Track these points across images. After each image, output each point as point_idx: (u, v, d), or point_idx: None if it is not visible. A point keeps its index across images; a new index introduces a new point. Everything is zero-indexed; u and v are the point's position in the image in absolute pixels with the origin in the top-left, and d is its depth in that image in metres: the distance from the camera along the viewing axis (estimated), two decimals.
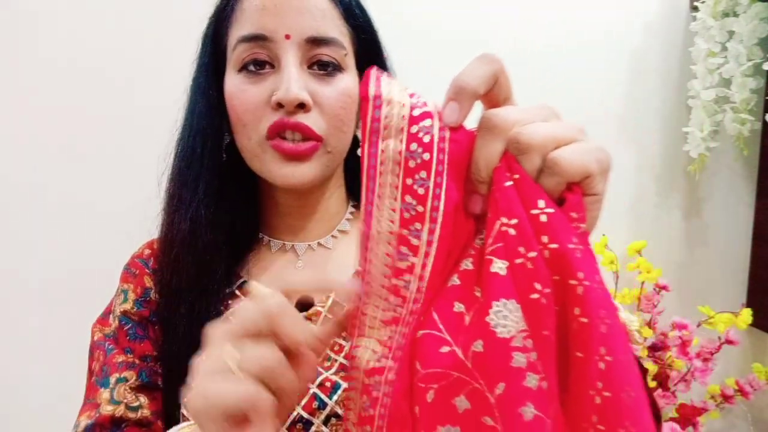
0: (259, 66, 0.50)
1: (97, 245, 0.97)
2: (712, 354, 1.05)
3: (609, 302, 0.28)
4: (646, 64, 1.12)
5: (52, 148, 0.99)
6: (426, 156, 0.30)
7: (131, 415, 0.49)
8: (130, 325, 0.53)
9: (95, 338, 0.54)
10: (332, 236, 0.59)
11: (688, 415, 1.05)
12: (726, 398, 1.07)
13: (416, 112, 0.30)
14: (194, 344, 0.51)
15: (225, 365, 0.29)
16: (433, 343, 0.29)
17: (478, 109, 0.32)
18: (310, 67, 0.50)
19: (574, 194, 0.29)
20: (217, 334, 0.31)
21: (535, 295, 0.28)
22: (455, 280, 0.31)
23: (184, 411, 0.49)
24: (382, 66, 0.58)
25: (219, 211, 0.53)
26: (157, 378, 0.52)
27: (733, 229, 1.16)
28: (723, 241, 1.16)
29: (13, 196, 0.99)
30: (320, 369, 0.50)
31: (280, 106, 0.49)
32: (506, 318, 0.28)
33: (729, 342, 1.05)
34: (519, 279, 0.28)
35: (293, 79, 0.48)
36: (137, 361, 0.52)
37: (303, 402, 0.49)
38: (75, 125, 0.99)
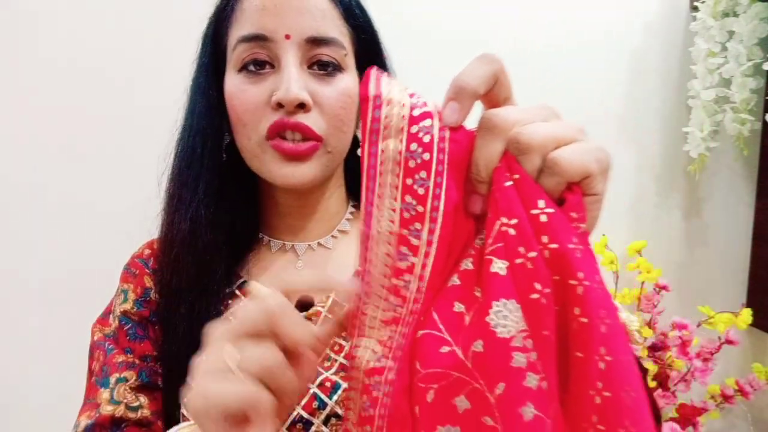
0: (259, 66, 0.50)
1: (97, 245, 0.97)
2: (712, 354, 1.05)
3: (609, 302, 0.28)
4: (646, 64, 1.12)
5: (52, 148, 0.99)
6: (426, 156, 0.30)
7: (131, 415, 0.49)
8: (130, 325, 0.53)
9: (95, 338, 0.54)
10: (332, 236, 0.59)
11: (688, 415, 1.05)
12: (726, 398, 1.07)
13: (416, 112, 0.30)
14: (194, 344, 0.51)
15: (225, 365, 0.29)
16: (434, 343, 0.29)
17: (478, 109, 0.32)
18: (310, 67, 0.50)
19: (574, 194, 0.29)
20: (217, 333, 0.31)
21: (535, 295, 0.28)
22: (455, 280, 0.31)
23: (184, 411, 0.49)
24: (382, 66, 0.58)
25: (219, 211, 0.53)
26: (157, 378, 0.52)
27: (733, 229, 1.16)
28: (723, 241, 1.16)
29: (13, 196, 0.99)
30: (320, 369, 0.50)
31: (280, 106, 0.49)
32: (506, 318, 0.28)
33: (729, 342, 1.05)
34: (519, 279, 0.28)
35: (293, 79, 0.48)
36: (137, 361, 0.52)
37: (303, 402, 0.49)
38: (75, 125, 0.99)
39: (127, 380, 0.50)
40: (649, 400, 0.31)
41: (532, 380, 0.27)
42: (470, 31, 1.07)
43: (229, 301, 0.54)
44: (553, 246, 0.28)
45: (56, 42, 0.97)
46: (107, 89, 0.98)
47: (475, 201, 0.31)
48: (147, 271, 0.56)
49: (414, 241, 0.30)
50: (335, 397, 0.49)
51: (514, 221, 0.28)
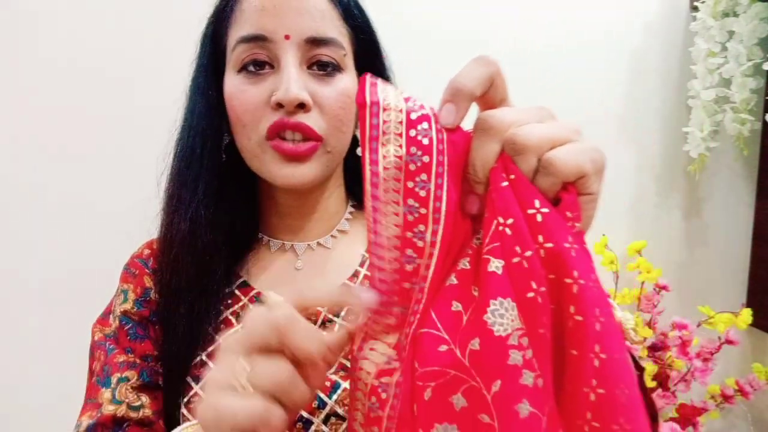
0: (259, 66, 0.50)
1: (97, 245, 0.97)
2: (712, 354, 1.05)
3: (604, 300, 0.28)
4: (646, 64, 1.12)
5: (52, 148, 0.99)
6: (426, 158, 0.30)
7: (133, 414, 0.49)
8: (130, 325, 0.53)
9: (95, 338, 0.54)
10: (332, 236, 0.59)
11: (688, 415, 1.05)
12: (726, 398, 1.07)
13: (413, 116, 0.31)
14: (194, 344, 0.52)
15: (236, 380, 0.29)
16: (432, 341, 0.30)
17: (474, 111, 0.32)
18: (309, 67, 0.50)
19: (570, 194, 0.29)
20: (229, 345, 0.31)
21: (531, 294, 0.28)
22: (453, 280, 0.31)
23: (183, 411, 0.49)
24: (381, 66, 0.58)
25: (218, 212, 0.53)
26: (158, 378, 0.52)
27: (733, 229, 1.16)
28: (723, 241, 1.16)
29: (13, 196, 0.99)
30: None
31: (279, 106, 0.49)
32: (503, 316, 0.28)
33: (729, 342, 1.05)
34: (515, 278, 0.29)
35: (293, 80, 0.48)
36: (138, 361, 0.52)
37: None
38: (75, 125, 0.99)
39: (128, 380, 0.50)
40: (645, 398, 0.31)
41: (528, 378, 0.27)
42: (470, 31, 1.07)
43: (229, 301, 0.54)
44: (549, 245, 0.28)
45: (56, 42, 0.97)
46: (107, 89, 0.99)
47: (472, 201, 0.31)
48: (147, 271, 0.56)
49: (419, 243, 0.30)
50: (335, 397, 0.49)
51: (510, 221, 0.29)
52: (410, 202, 0.30)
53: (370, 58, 0.55)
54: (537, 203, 0.29)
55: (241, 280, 0.56)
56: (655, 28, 1.11)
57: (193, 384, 0.50)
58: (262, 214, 0.59)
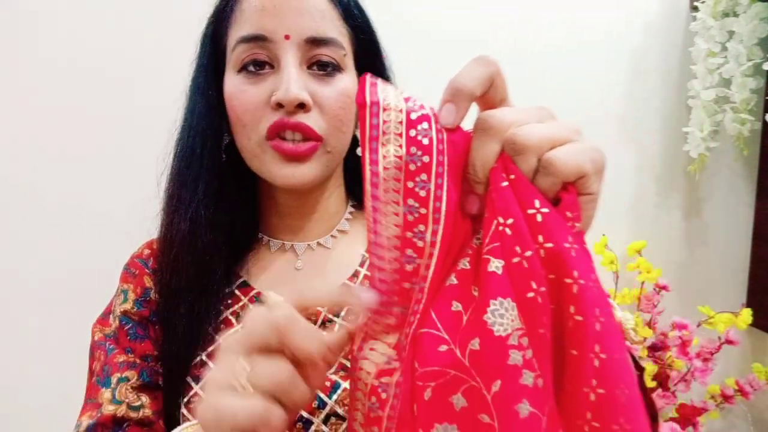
0: (259, 66, 0.50)
1: (97, 245, 0.97)
2: (712, 354, 1.05)
3: (604, 300, 0.29)
4: (646, 64, 1.12)
5: (52, 148, 0.99)
6: (426, 158, 0.30)
7: (133, 414, 0.49)
8: (130, 325, 0.53)
9: (95, 338, 0.54)
10: (331, 236, 0.59)
11: (688, 415, 1.05)
12: (726, 398, 1.07)
13: (413, 116, 0.31)
14: (194, 344, 0.52)
15: (236, 380, 0.29)
16: (432, 342, 0.30)
17: (474, 111, 0.32)
18: (309, 67, 0.50)
19: (569, 194, 0.29)
20: (230, 345, 0.31)
21: (531, 294, 0.28)
22: (453, 280, 0.31)
23: (184, 411, 0.49)
24: (381, 66, 0.58)
25: (218, 212, 0.53)
26: (158, 378, 0.52)
27: (733, 229, 1.16)
28: (723, 241, 1.16)
29: (13, 196, 0.99)
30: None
31: (279, 106, 0.49)
32: (503, 316, 0.28)
33: (729, 342, 1.05)
34: (515, 278, 0.29)
35: (293, 80, 0.48)
36: (138, 361, 0.52)
37: None
38: (75, 125, 0.99)
39: (128, 380, 0.50)
40: (645, 398, 0.31)
41: (528, 378, 0.28)
42: (470, 31, 1.07)
43: (229, 301, 0.54)
44: (549, 245, 0.28)
45: (56, 42, 0.97)
46: (107, 89, 0.99)
47: (472, 201, 0.31)
48: (147, 271, 0.56)
49: (419, 243, 0.30)
50: (335, 397, 0.49)
51: (510, 221, 0.29)
52: (410, 202, 0.30)
53: (370, 58, 0.55)
54: (537, 203, 0.29)
55: (241, 280, 0.56)
56: (655, 28, 1.11)
57: (193, 384, 0.50)
58: (262, 214, 0.59)
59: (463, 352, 0.29)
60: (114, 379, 0.50)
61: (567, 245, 0.28)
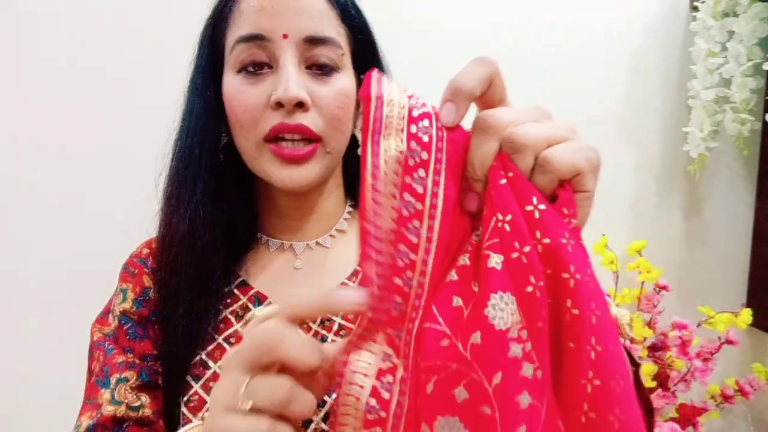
0: (258, 67, 0.50)
1: (97, 245, 0.97)
2: (712, 354, 1.05)
3: (599, 294, 0.29)
4: (646, 64, 1.12)
5: (52, 148, 0.99)
6: (425, 155, 0.31)
7: (132, 414, 0.49)
8: (129, 324, 0.53)
9: (94, 338, 0.54)
10: (330, 236, 0.59)
11: (688, 415, 1.05)
12: (726, 398, 1.07)
13: (415, 113, 0.31)
14: (194, 343, 0.52)
15: (239, 399, 0.29)
16: (434, 336, 0.30)
17: (473, 111, 0.33)
18: (308, 68, 0.51)
19: (566, 191, 0.30)
20: (230, 363, 0.31)
21: (530, 288, 0.29)
22: (453, 276, 0.31)
23: (183, 410, 0.49)
24: (379, 66, 0.58)
25: (217, 212, 0.53)
26: (157, 377, 0.52)
27: (733, 229, 1.16)
28: (723, 241, 1.16)
29: (13, 196, 0.99)
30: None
31: (279, 105, 0.49)
32: (503, 310, 0.29)
33: (729, 342, 1.05)
34: (514, 273, 0.29)
35: (292, 79, 0.48)
36: (137, 361, 0.52)
37: None
38: (75, 125, 0.99)
39: (127, 380, 0.50)
40: (640, 393, 0.32)
41: (527, 370, 0.28)
42: (470, 31, 1.07)
43: (228, 300, 0.54)
44: (546, 241, 0.29)
45: (56, 42, 0.98)
46: (107, 89, 0.99)
47: (471, 199, 0.32)
48: (146, 270, 0.56)
49: (413, 239, 0.31)
50: (334, 395, 0.49)
51: (508, 217, 0.30)
52: (407, 197, 0.31)
53: (367, 58, 0.56)
54: (534, 200, 0.30)
55: (240, 279, 0.56)
56: (655, 28, 1.11)
57: (192, 383, 0.50)
58: (261, 213, 0.59)
59: (464, 345, 0.29)
60: (113, 380, 0.50)
61: (564, 241, 0.29)
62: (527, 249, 0.29)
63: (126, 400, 0.49)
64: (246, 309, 0.54)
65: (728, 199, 1.15)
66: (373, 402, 0.30)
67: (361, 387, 0.30)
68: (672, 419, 1.04)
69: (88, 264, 0.97)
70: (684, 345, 1.03)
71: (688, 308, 1.10)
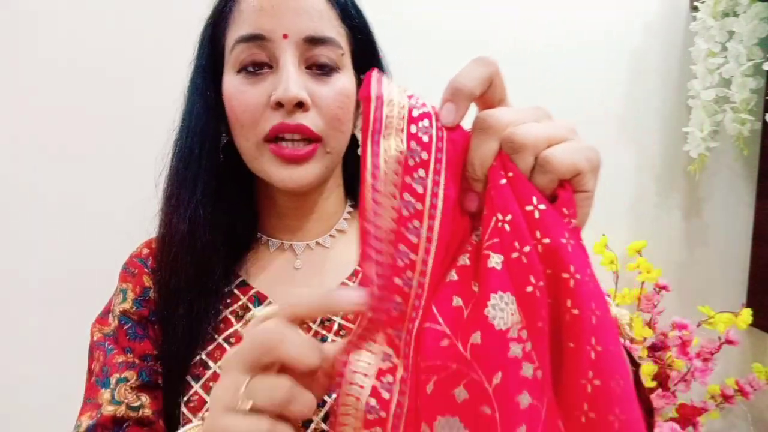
0: (258, 67, 0.50)
1: (97, 245, 0.97)
2: (712, 354, 1.05)
3: (599, 294, 0.29)
4: (646, 64, 1.12)
5: (52, 148, 0.99)
6: (425, 155, 0.31)
7: (132, 414, 0.49)
8: (129, 324, 0.53)
9: (94, 338, 0.54)
10: (330, 236, 0.59)
11: (688, 415, 1.05)
12: (726, 398, 1.07)
13: (415, 113, 0.31)
14: (194, 343, 0.52)
15: (239, 400, 0.29)
16: (434, 336, 0.30)
17: (473, 111, 0.33)
18: (308, 68, 0.51)
19: (566, 191, 0.30)
20: (230, 363, 0.31)
21: (530, 288, 0.29)
22: (453, 276, 0.31)
23: (183, 410, 0.49)
24: (379, 66, 0.58)
25: (217, 212, 0.53)
26: (157, 377, 0.52)
27: (733, 229, 1.16)
28: (723, 241, 1.16)
29: (13, 196, 0.99)
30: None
31: (279, 105, 0.49)
32: (503, 310, 0.29)
33: (729, 342, 1.05)
34: (514, 273, 0.29)
35: (292, 79, 0.48)
36: (137, 361, 0.52)
37: None
38: (75, 125, 0.99)
39: (127, 380, 0.50)
40: (640, 393, 0.32)
41: (527, 369, 0.28)
42: (470, 31, 1.07)
43: (228, 300, 0.54)
44: (546, 241, 0.29)
45: (56, 42, 0.97)
46: (107, 89, 0.99)
47: (471, 199, 0.32)
48: (146, 270, 0.56)
49: (413, 239, 0.31)
50: (334, 395, 0.49)
51: (508, 217, 0.30)
52: (407, 197, 0.31)
53: (367, 58, 0.55)
54: (534, 200, 0.30)
55: (240, 279, 0.56)
56: (655, 28, 1.11)
57: (192, 383, 0.50)
58: (261, 213, 0.59)
59: (464, 345, 0.29)
60: (113, 380, 0.50)
61: (564, 241, 0.29)
62: (527, 249, 0.29)
63: (126, 400, 0.49)
64: (246, 309, 0.54)
65: (728, 199, 1.15)
66: (373, 402, 0.30)
67: (361, 387, 0.30)
68: (672, 419, 1.04)
69: (88, 264, 0.97)
70: (684, 345, 1.03)
71: (688, 308, 1.10)
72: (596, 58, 1.11)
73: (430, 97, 0.33)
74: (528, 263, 0.29)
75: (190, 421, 0.49)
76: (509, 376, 0.28)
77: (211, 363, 0.51)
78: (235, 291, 0.55)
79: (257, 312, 0.32)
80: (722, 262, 1.17)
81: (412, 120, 0.31)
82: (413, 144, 0.31)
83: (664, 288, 1.07)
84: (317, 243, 0.58)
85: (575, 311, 0.29)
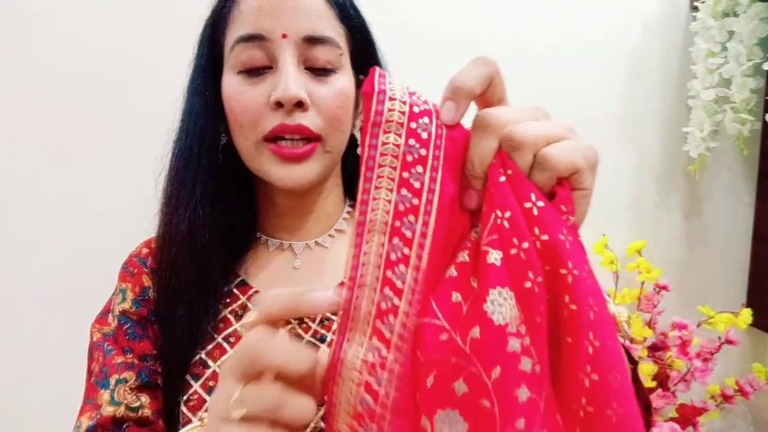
0: (257, 67, 0.50)
1: (97, 245, 0.97)
2: (712, 354, 1.05)
3: (597, 290, 0.30)
4: (646, 64, 1.12)
5: (52, 148, 0.99)
6: (423, 151, 0.31)
7: (132, 415, 0.49)
8: (129, 324, 0.53)
9: (94, 339, 0.54)
10: (329, 235, 0.59)
11: (688, 415, 1.05)
12: (726, 398, 1.07)
13: (416, 110, 0.32)
14: (193, 343, 0.52)
15: (232, 409, 0.29)
16: (433, 331, 0.30)
17: (473, 110, 0.33)
18: (307, 68, 0.51)
19: (564, 189, 0.31)
20: (225, 372, 0.31)
21: (528, 284, 0.29)
22: (453, 272, 0.32)
23: (183, 408, 0.50)
24: (378, 66, 0.58)
25: (216, 212, 0.53)
26: (157, 377, 0.52)
27: (733, 229, 1.16)
28: (723, 241, 1.16)
29: (13, 196, 0.99)
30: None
31: (278, 105, 0.49)
32: (502, 306, 0.29)
33: (729, 342, 1.05)
34: (513, 269, 0.30)
35: (291, 78, 0.48)
36: (136, 361, 0.52)
37: None
38: (75, 125, 0.99)
39: (126, 381, 0.50)
40: (638, 389, 0.32)
41: (526, 364, 0.29)
42: (469, 31, 1.07)
43: (228, 300, 0.54)
44: (545, 237, 0.30)
45: (56, 42, 0.98)
46: (107, 89, 0.99)
47: (471, 196, 0.32)
48: (145, 270, 0.56)
49: (407, 234, 0.31)
50: None
51: (507, 214, 0.30)
52: (404, 192, 0.31)
53: (366, 58, 0.56)
54: (533, 197, 0.30)
55: (239, 279, 0.56)
56: (655, 28, 1.11)
57: (192, 382, 0.50)
58: (260, 213, 0.59)
59: (464, 340, 0.30)
60: (112, 381, 0.50)
61: (562, 237, 0.30)
62: (526, 245, 0.29)
63: (125, 401, 0.49)
64: (245, 308, 0.54)
65: (728, 199, 1.15)
66: (364, 395, 0.30)
67: (353, 381, 0.31)
68: (672, 419, 1.04)
69: (88, 264, 0.97)
70: (684, 345, 1.03)
71: (688, 308, 1.10)
72: (595, 58, 1.11)
73: (428, 97, 0.33)
74: (527, 259, 0.29)
75: (190, 420, 0.49)
76: (508, 370, 0.28)
77: (210, 362, 0.51)
78: (235, 290, 0.55)
79: (245, 320, 0.32)
80: (722, 262, 1.17)
81: (412, 116, 0.32)
82: (412, 140, 0.31)
83: (664, 288, 1.07)
84: (316, 243, 0.58)
85: (573, 307, 0.29)
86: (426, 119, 0.32)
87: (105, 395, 0.49)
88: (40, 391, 1.00)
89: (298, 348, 0.31)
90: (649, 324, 1.06)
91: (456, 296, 0.31)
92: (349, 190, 0.62)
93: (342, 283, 0.32)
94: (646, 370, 1.02)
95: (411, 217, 0.31)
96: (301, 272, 0.56)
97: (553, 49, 1.09)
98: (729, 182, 1.15)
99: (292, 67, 0.49)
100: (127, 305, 0.54)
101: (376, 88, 0.32)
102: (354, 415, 0.30)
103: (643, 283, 1.07)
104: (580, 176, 0.31)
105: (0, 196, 0.99)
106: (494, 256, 0.30)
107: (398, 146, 0.31)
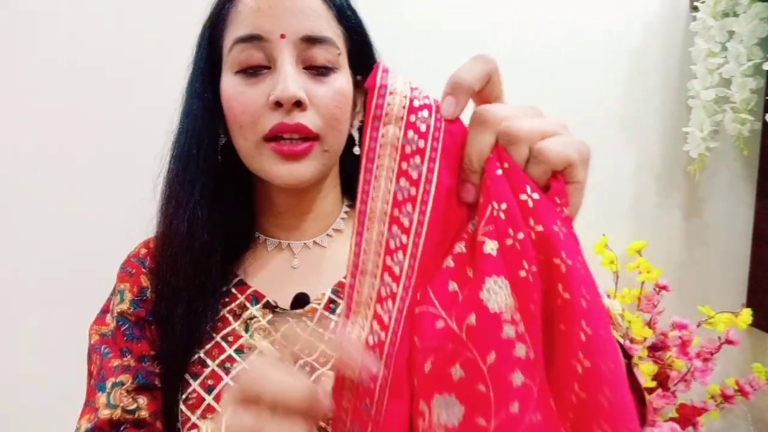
0: (256, 67, 0.50)
1: (97, 245, 0.97)
2: (712, 354, 1.05)
3: (590, 280, 0.31)
4: (646, 64, 1.12)
5: (52, 148, 0.99)
6: (421, 143, 0.33)
7: (129, 417, 0.49)
8: (127, 325, 0.54)
9: (92, 341, 0.55)
10: (327, 235, 0.59)
11: (688, 415, 1.05)
12: (726, 398, 1.07)
13: (416, 103, 0.33)
14: (192, 342, 0.52)
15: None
16: (430, 319, 0.32)
17: (471, 108, 0.34)
18: (305, 68, 0.51)
19: (558, 182, 0.32)
20: (226, 396, 0.33)
21: (523, 273, 0.30)
22: (450, 262, 0.33)
23: (182, 407, 0.50)
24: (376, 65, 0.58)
25: (215, 212, 0.54)
26: (154, 378, 0.52)
27: (733, 229, 1.16)
28: (723, 241, 1.16)
29: (13, 196, 0.99)
30: (317, 365, 0.51)
31: (277, 105, 0.49)
32: (497, 294, 0.30)
33: (729, 342, 1.05)
34: (508, 258, 0.31)
35: (290, 78, 0.49)
36: (133, 363, 0.52)
37: None
38: (75, 125, 0.99)
39: (123, 384, 0.50)
40: (633, 382, 0.33)
41: (520, 350, 0.30)
42: (469, 31, 1.07)
43: (226, 299, 0.55)
44: (539, 228, 0.31)
45: (56, 42, 0.98)
46: (107, 89, 0.99)
47: (468, 189, 0.33)
48: (143, 270, 0.56)
49: (405, 222, 0.32)
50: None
51: (504, 206, 0.31)
52: (402, 182, 0.33)
53: (363, 59, 0.56)
54: (528, 189, 0.31)
55: (237, 278, 0.56)
56: (655, 28, 1.11)
57: (191, 381, 0.51)
58: (259, 213, 0.59)
59: (460, 326, 0.31)
60: (109, 384, 0.50)
61: (556, 228, 0.31)
62: (521, 236, 0.31)
63: (122, 404, 0.50)
64: (243, 308, 0.54)
65: (728, 199, 1.15)
66: (363, 374, 0.32)
67: (354, 361, 0.32)
68: (672, 419, 1.04)
69: (88, 264, 0.97)
70: (684, 345, 1.03)
71: (688, 308, 1.10)
72: (596, 58, 1.11)
73: (430, 93, 0.34)
74: (522, 249, 0.30)
75: (189, 418, 0.49)
76: (503, 356, 0.29)
77: (209, 361, 0.51)
78: (233, 290, 0.55)
79: (257, 341, 0.34)
80: (722, 262, 1.17)
81: (412, 110, 0.33)
82: (410, 132, 0.33)
83: (664, 288, 1.07)
84: (314, 242, 0.58)
85: (566, 295, 0.30)
86: (425, 112, 0.33)
87: (102, 398, 0.50)
88: (40, 391, 1.01)
89: (296, 379, 0.32)
90: (649, 324, 1.06)
91: (452, 285, 0.32)
92: (348, 190, 0.62)
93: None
94: (646, 370, 1.02)
95: (409, 207, 0.32)
96: (299, 272, 0.56)
97: (554, 49, 1.09)
98: (729, 182, 1.15)
99: (290, 67, 0.49)
100: (125, 306, 0.54)
101: (378, 83, 0.33)
102: (355, 391, 0.32)
103: (643, 283, 1.07)
104: (573, 170, 0.32)
105: (0, 196, 0.99)
106: (490, 246, 0.31)
107: (398, 138, 0.33)
